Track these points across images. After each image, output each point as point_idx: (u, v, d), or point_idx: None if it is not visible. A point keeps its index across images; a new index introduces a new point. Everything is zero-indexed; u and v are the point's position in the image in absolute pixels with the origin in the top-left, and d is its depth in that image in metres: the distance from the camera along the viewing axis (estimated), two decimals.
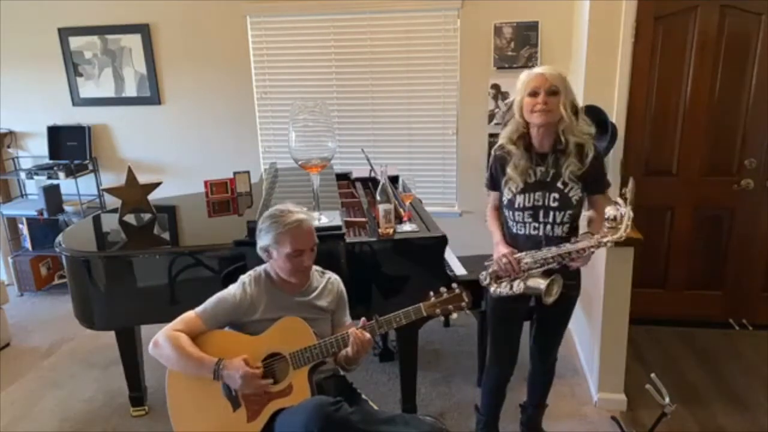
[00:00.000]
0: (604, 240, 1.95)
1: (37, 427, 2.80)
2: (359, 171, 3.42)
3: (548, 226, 2.07)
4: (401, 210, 2.60)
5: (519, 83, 2.05)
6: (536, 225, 2.08)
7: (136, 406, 2.82)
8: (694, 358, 3.18)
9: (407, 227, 2.50)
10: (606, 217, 2.55)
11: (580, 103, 3.15)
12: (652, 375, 2.11)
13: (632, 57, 3.10)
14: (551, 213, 2.06)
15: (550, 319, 2.26)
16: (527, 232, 2.10)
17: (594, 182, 2.09)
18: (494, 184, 2.19)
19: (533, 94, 1.98)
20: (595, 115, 2.97)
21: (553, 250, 2.01)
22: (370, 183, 3.27)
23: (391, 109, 3.94)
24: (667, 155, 3.31)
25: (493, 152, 2.19)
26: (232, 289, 1.98)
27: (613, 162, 3.20)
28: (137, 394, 2.80)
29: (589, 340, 2.95)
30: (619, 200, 2.64)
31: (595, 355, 2.78)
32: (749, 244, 3.35)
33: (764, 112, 3.15)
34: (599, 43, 3.09)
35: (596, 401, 2.78)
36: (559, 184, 2.05)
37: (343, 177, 3.39)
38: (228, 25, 3.92)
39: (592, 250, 1.98)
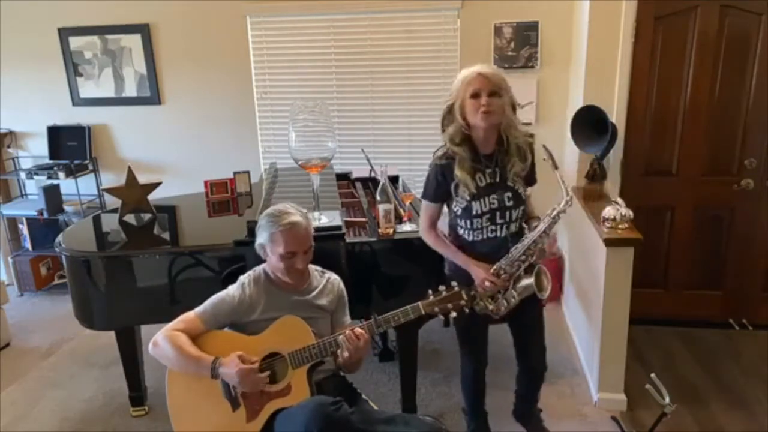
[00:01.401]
0: (555, 213, 2.00)
1: (37, 427, 2.80)
2: (359, 171, 3.41)
3: (504, 227, 2.08)
4: (401, 210, 2.60)
5: (457, 83, 2.00)
6: (493, 228, 2.08)
7: (136, 406, 2.82)
8: (694, 358, 3.18)
9: (407, 227, 2.50)
10: (605, 217, 2.57)
11: (581, 103, 3.18)
12: (652, 375, 2.11)
13: (632, 57, 3.11)
14: (508, 212, 2.06)
15: (521, 322, 2.26)
16: (484, 237, 2.09)
17: (529, 176, 2.12)
18: (438, 194, 2.11)
19: (475, 95, 1.94)
20: (595, 115, 2.98)
21: (520, 247, 2.03)
22: (370, 183, 3.27)
23: (391, 109, 3.94)
24: (667, 155, 3.30)
25: (434, 162, 2.10)
26: (232, 290, 1.98)
27: (613, 162, 3.20)
28: (137, 394, 2.80)
29: (589, 340, 2.95)
30: (619, 200, 2.66)
31: (595, 355, 2.78)
32: (749, 244, 3.35)
33: (764, 112, 3.15)
34: (599, 43, 3.09)
35: (596, 401, 2.78)
36: (509, 183, 2.06)
37: (343, 177, 3.39)
38: (228, 25, 3.92)
39: (551, 227, 2.01)
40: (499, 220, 2.07)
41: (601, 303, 2.65)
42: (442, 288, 1.93)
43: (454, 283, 1.95)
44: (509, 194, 2.05)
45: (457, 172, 2.02)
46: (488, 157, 2.05)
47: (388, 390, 2.94)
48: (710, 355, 3.20)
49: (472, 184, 2.02)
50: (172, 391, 1.94)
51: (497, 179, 2.04)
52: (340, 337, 1.86)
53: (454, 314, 1.94)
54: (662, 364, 3.09)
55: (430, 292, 1.93)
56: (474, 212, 2.06)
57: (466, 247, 2.13)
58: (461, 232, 2.13)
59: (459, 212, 2.10)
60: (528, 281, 2.05)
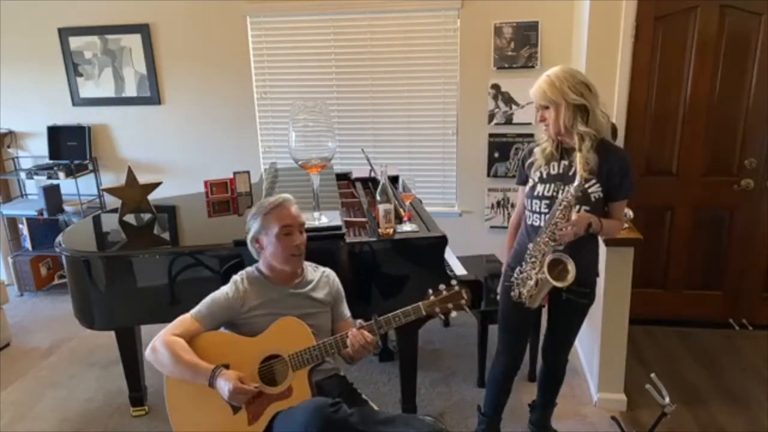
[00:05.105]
0: (570, 190, 1.94)
1: (37, 427, 2.80)
2: (359, 171, 3.42)
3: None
4: (401, 210, 2.60)
5: None
6: None
7: (136, 406, 2.82)
8: (694, 358, 3.18)
9: (407, 227, 2.50)
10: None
11: None
12: (652, 375, 2.11)
13: (632, 57, 3.11)
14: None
15: (559, 321, 2.27)
16: (542, 224, 2.07)
17: (612, 186, 2.05)
18: (522, 174, 2.20)
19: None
20: None
21: (543, 230, 2.01)
22: (370, 183, 3.27)
23: (391, 109, 3.94)
24: (667, 155, 3.31)
25: (525, 146, 2.29)
26: (225, 288, 1.98)
27: None
28: (137, 394, 2.80)
29: (589, 340, 2.95)
30: None
31: (595, 355, 2.78)
32: (749, 244, 3.35)
33: (764, 112, 3.15)
34: (599, 43, 3.09)
35: (596, 401, 2.78)
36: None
37: (343, 177, 3.39)
38: (228, 25, 3.92)
39: (568, 203, 1.95)
40: None
41: (601, 303, 2.64)
42: (442, 287, 1.92)
43: (454, 282, 1.94)
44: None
45: (536, 151, 2.12)
46: (568, 151, 2.07)
47: (388, 390, 2.94)
48: (710, 355, 3.20)
49: (542, 167, 2.09)
50: (171, 394, 1.92)
51: (570, 173, 2.05)
52: (350, 330, 1.87)
53: (454, 314, 1.93)
54: (662, 364, 3.09)
55: (430, 291, 1.93)
56: (536, 194, 2.09)
57: (527, 229, 2.16)
58: (526, 214, 2.17)
59: (527, 191, 2.15)
60: (544, 272, 1.99)
